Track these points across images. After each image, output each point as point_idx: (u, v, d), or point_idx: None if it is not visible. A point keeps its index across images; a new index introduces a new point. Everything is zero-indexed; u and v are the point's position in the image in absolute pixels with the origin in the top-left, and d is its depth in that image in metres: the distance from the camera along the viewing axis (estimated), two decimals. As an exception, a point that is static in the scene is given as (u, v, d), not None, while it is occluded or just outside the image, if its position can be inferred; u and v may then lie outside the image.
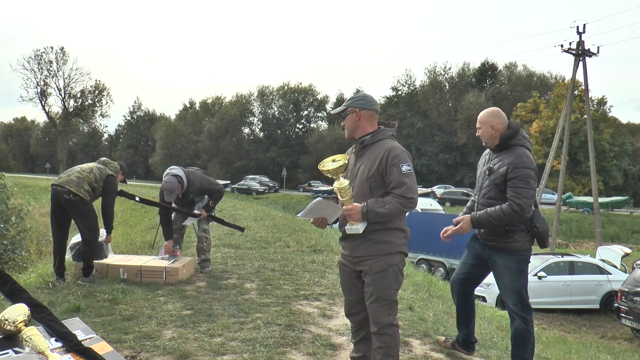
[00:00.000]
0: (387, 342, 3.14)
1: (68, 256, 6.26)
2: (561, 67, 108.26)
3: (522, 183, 3.65)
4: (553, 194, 37.66)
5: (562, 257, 17.10)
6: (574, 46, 26.06)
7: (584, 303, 15.60)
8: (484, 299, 14.79)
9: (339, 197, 3.22)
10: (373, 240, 3.14)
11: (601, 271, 15.91)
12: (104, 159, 6.25)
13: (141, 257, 6.62)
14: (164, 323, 4.47)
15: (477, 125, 3.98)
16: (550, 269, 15.83)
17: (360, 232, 3.15)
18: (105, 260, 6.20)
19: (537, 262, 16.38)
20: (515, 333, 3.88)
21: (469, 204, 4.23)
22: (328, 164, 3.22)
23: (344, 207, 3.16)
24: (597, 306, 15.63)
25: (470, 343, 4.29)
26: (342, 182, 3.16)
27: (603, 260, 16.69)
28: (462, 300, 4.24)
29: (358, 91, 38.93)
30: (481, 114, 3.98)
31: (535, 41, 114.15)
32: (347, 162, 3.26)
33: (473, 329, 4.29)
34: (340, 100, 64.94)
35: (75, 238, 6.26)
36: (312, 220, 3.34)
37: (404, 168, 3.05)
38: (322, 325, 4.68)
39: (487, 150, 4.03)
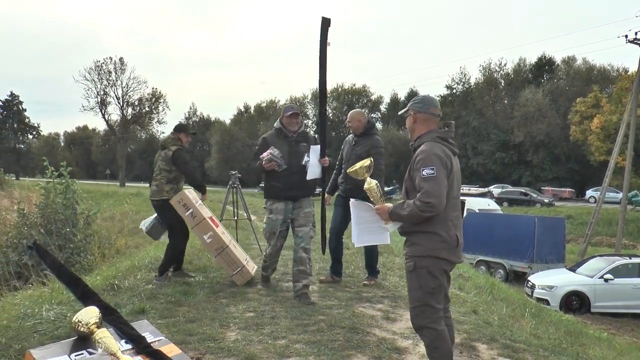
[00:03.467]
0: (425, 344, 3.26)
1: (143, 227, 6.53)
2: (624, 58, 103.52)
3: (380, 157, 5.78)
4: (617, 192, 36.07)
5: (630, 258, 16.30)
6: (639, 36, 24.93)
7: (657, 308, 14.78)
8: (547, 302, 14.28)
9: (370, 197, 3.39)
10: (409, 242, 3.26)
11: (675, 273, 15.06)
12: (162, 141, 6.29)
13: (225, 232, 6.32)
14: (227, 325, 4.48)
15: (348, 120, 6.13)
16: (617, 272, 15.10)
17: (390, 231, 3.37)
18: (206, 213, 6.08)
19: (602, 264, 15.68)
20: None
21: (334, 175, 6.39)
22: (355, 167, 3.48)
23: (375, 207, 3.34)
24: (672, 310, 14.78)
25: (340, 273, 6.32)
26: (369, 182, 3.37)
27: (677, 262, 15.79)
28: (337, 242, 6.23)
29: (416, 93, 38.76)
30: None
31: (595, 33, 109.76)
32: (370, 163, 3.46)
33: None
34: (394, 101, 64.34)
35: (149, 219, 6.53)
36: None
37: (424, 172, 3.08)
38: (386, 328, 4.58)
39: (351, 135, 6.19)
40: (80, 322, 2.45)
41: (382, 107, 68.12)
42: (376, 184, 3.38)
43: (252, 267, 6.22)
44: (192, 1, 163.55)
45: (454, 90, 60.65)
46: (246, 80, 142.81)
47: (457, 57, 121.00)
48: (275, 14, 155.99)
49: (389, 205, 3.29)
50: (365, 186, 3.38)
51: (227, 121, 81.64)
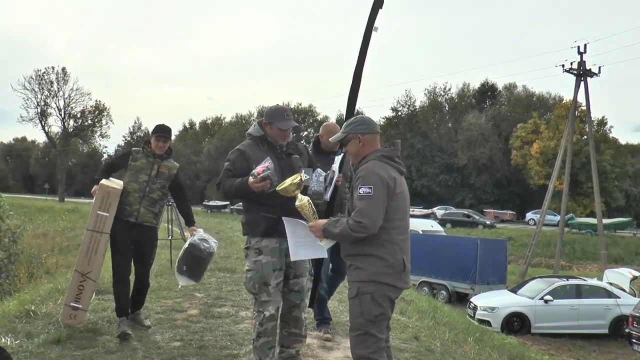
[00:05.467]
0: None
1: None
2: (560, 87, 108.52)
3: None
4: (555, 215, 37.30)
5: (568, 280, 16.71)
6: (575, 66, 26.00)
7: (592, 328, 15.14)
8: (489, 323, 14.36)
9: (302, 215, 3.25)
10: (353, 266, 3.11)
11: (609, 295, 15.48)
12: None
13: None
14: (150, 357, 4.12)
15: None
16: (556, 293, 15.43)
17: (325, 249, 3.27)
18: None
19: (542, 286, 15.99)
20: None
21: None
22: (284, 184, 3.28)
23: (308, 224, 3.22)
24: (605, 331, 15.16)
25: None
26: (301, 199, 3.22)
27: (610, 284, 16.27)
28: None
29: (357, 113, 39.19)
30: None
31: (535, 61, 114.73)
32: (300, 180, 3.25)
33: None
34: (339, 121, 64.57)
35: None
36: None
37: (361, 190, 2.97)
38: (322, 358, 4.32)
39: None
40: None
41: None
42: (308, 200, 3.23)
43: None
44: (139, 15, 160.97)
45: (399, 113, 61.67)
46: (192, 95, 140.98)
47: (403, 79, 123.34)
48: (222, 30, 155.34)
49: (323, 221, 3.15)
50: (296, 203, 3.22)
51: (173, 137, 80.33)
